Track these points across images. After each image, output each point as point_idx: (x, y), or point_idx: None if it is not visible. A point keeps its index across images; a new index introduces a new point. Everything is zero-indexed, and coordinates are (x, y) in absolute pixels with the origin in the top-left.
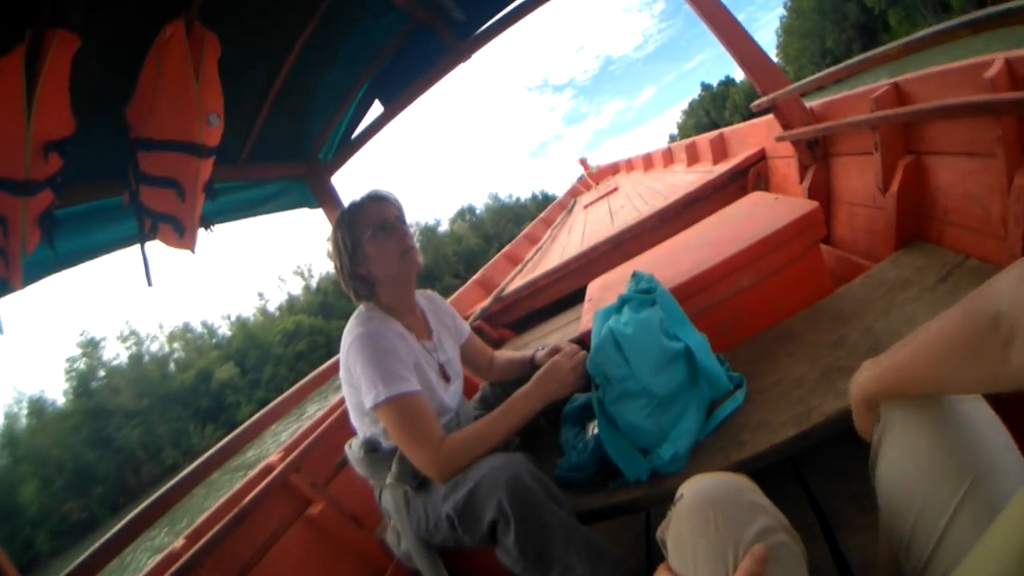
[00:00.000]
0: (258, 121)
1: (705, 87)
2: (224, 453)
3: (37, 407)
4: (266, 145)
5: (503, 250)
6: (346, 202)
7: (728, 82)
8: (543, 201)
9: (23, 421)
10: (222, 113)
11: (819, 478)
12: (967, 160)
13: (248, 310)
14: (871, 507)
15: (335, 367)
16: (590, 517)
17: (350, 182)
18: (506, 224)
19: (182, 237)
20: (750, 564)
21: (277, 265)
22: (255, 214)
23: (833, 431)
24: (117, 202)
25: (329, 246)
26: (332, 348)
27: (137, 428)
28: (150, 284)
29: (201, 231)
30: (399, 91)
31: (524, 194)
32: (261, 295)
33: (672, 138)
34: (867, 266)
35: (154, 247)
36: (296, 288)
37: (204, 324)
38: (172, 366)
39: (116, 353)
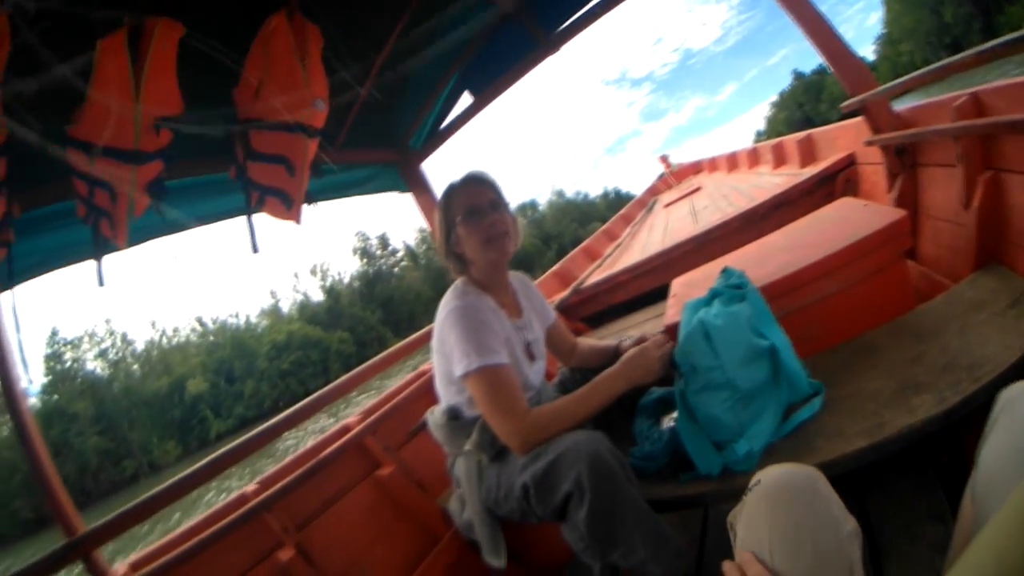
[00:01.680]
0: (354, 109)
1: (798, 75)
2: (300, 415)
3: None
4: (361, 132)
5: (581, 244)
6: (436, 189)
7: (822, 71)
8: (615, 200)
9: None
10: (327, 99)
11: (877, 501)
12: None
13: (258, 308)
14: (919, 538)
15: (419, 340)
16: (657, 507)
17: (436, 168)
18: (569, 223)
19: (290, 209)
20: None
21: (307, 256)
22: (350, 195)
23: (902, 446)
24: (222, 177)
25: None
26: (328, 366)
27: (102, 434)
28: (256, 251)
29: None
30: (488, 83)
31: (595, 191)
32: (273, 294)
33: (759, 134)
34: (947, 285)
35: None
36: (311, 288)
37: (201, 323)
38: (150, 370)
39: (97, 352)
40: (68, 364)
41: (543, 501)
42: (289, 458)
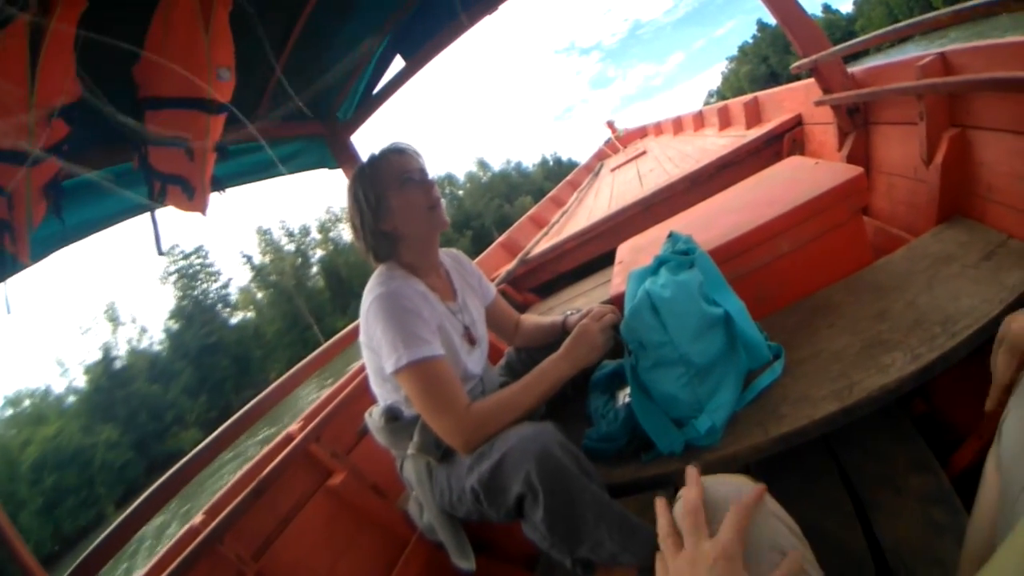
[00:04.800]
0: (273, 78)
1: (763, 26)
2: (241, 426)
3: None
4: (282, 104)
5: (528, 212)
6: None
7: None
8: (555, 168)
9: None
10: (233, 67)
11: (852, 457)
12: (1013, 138)
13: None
14: (905, 490)
15: (350, 335)
16: (620, 490)
17: (366, 142)
18: (491, 200)
19: (192, 199)
20: None
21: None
22: (271, 175)
23: (874, 408)
24: (127, 168)
25: (347, 203)
26: (96, 489)
27: None
28: (160, 252)
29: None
30: (421, 44)
31: (533, 159)
32: (61, 363)
33: (712, 93)
34: (906, 239)
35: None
36: (102, 345)
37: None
38: None
39: None
40: None
41: (495, 504)
42: (232, 480)
